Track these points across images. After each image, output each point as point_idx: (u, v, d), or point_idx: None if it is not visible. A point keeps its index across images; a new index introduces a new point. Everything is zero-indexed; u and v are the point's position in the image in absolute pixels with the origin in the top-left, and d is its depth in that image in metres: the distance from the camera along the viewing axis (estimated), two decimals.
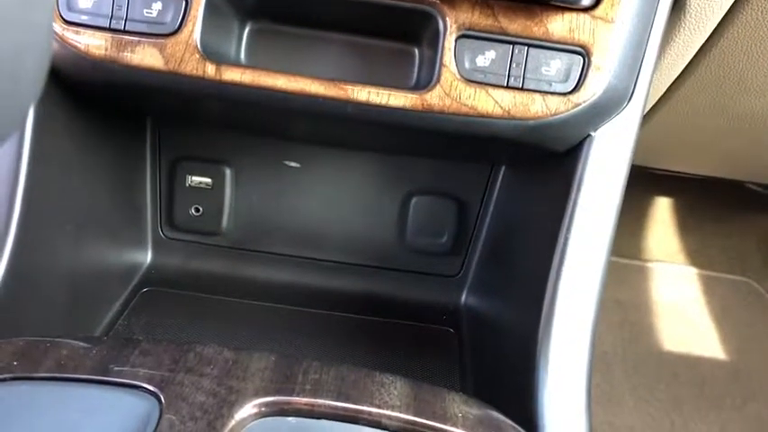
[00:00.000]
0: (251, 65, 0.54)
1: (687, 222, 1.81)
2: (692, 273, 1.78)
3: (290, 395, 0.42)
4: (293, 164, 0.75)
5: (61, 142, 0.61)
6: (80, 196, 0.65)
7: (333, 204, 0.77)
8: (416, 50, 0.58)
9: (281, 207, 0.77)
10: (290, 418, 0.42)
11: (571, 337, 0.55)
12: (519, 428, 0.45)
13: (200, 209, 0.77)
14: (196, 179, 0.75)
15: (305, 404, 0.42)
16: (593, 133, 0.56)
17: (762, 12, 0.65)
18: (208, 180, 0.75)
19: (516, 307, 0.65)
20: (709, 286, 1.77)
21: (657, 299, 1.72)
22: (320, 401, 0.42)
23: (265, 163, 0.76)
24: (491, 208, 0.76)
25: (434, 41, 0.53)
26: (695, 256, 1.81)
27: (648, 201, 1.83)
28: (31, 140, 0.55)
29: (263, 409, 0.41)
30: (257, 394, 0.41)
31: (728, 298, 1.74)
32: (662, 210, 1.84)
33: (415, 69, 0.57)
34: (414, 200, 0.77)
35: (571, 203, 0.56)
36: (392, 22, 0.55)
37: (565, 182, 0.57)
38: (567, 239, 0.56)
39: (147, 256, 0.79)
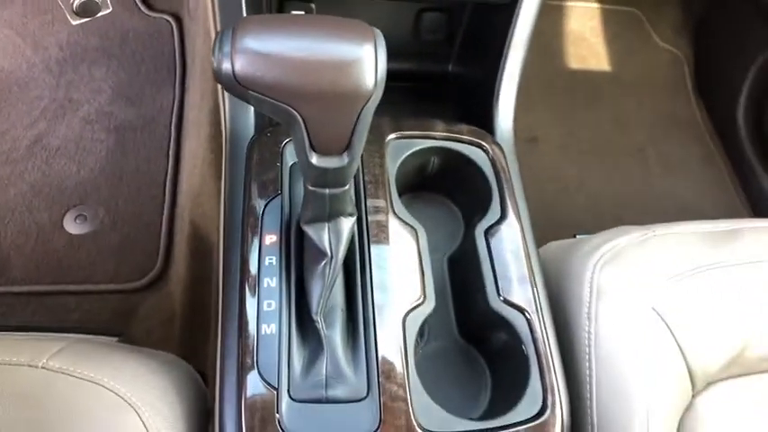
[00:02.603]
0: None
1: None
2: (594, 7, 2.34)
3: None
4: None
5: None
6: None
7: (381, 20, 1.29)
8: None
9: None
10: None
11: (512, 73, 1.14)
12: (493, 137, 1.08)
13: None
14: (294, 12, 1.25)
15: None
16: None
17: None
18: (302, 12, 1.25)
19: (483, 69, 1.21)
20: (605, 17, 2.34)
21: (566, 29, 2.27)
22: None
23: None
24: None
25: None
26: None
27: None
28: None
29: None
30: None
31: (619, 26, 2.29)
32: None
33: None
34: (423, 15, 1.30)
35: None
36: None
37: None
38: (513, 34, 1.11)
39: None
